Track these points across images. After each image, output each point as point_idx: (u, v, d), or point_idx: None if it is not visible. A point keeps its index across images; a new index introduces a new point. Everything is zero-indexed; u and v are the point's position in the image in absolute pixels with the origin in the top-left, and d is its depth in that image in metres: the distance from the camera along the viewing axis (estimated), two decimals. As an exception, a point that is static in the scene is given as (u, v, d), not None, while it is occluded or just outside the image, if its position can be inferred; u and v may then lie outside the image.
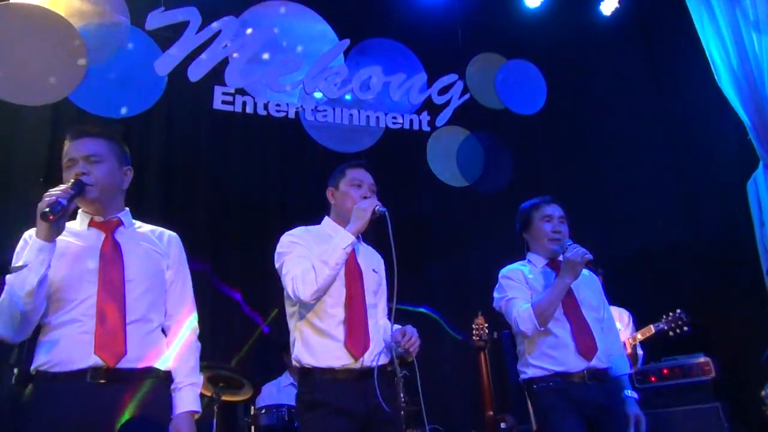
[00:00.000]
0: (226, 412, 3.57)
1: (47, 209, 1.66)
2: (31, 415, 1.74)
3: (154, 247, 1.98)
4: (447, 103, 5.15)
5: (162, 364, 1.89)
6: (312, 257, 2.08)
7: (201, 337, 2.04)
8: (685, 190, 4.94)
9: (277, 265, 2.19)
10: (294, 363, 2.17)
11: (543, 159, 5.23)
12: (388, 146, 4.83)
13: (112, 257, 1.85)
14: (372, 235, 2.33)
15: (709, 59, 4.33)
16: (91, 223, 1.92)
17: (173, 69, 4.33)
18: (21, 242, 1.87)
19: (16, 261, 1.82)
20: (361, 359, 2.07)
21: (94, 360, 1.74)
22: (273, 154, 4.64)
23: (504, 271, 2.62)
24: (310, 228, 2.28)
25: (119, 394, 1.74)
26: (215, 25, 4.45)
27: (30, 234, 1.84)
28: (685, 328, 3.59)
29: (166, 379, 1.89)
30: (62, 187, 1.76)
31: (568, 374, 2.40)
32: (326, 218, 2.34)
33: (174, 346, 1.94)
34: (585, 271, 2.56)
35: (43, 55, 4.00)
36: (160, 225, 4.57)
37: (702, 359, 3.78)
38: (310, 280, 2.03)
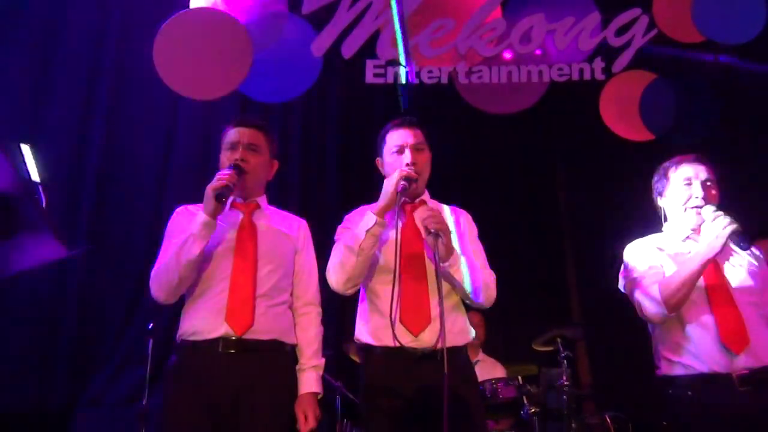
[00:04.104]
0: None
1: (221, 193, 1.84)
2: (174, 382, 1.92)
3: (286, 230, 2.10)
4: (627, 44, 4.42)
5: (288, 339, 1.99)
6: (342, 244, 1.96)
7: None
8: None
9: None
10: (356, 340, 2.06)
11: (755, 100, 4.22)
12: (554, 102, 4.35)
13: (248, 235, 2.00)
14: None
15: None
16: (234, 204, 2.07)
17: (328, 48, 4.43)
18: (175, 217, 2.08)
19: (171, 234, 2.01)
20: (421, 338, 1.87)
21: (224, 329, 1.87)
22: (428, 123, 4.49)
23: (630, 246, 2.21)
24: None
25: (247, 362, 1.87)
26: (367, -2, 4.42)
27: (183, 209, 2.07)
28: None
29: (292, 353, 2.00)
30: (228, 171, 1.92)
31: (711, 377, 1.93)
32: None
33: (299, 328, 2.04)
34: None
35: (216, 52, 4.40)
36: (332, 205, 4.69)
37: None
38: (338, 269, 1.92)
